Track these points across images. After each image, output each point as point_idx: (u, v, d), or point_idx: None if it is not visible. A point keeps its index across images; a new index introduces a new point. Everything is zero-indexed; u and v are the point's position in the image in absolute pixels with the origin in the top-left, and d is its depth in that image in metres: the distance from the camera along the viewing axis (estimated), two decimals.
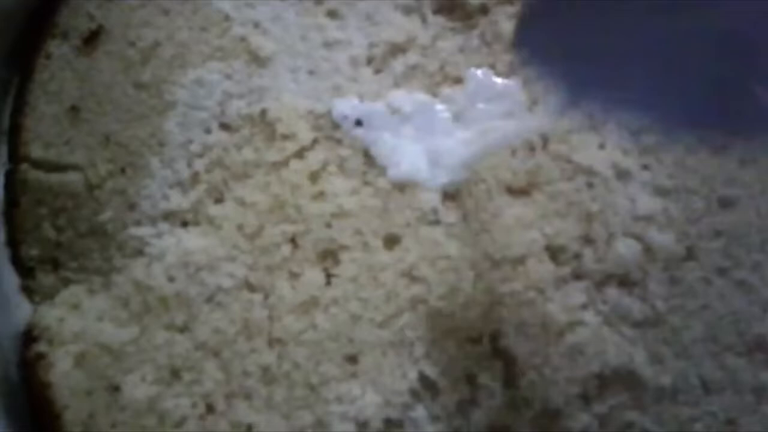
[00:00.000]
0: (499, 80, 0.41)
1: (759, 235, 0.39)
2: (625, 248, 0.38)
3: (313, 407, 0.38)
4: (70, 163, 0.41)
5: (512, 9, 0.42)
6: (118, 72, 0.42)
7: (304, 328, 0.38)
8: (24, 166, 0.41)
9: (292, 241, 0.40)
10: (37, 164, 0.41)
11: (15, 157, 0.41)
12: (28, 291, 0.41)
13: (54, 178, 0.41)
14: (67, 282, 0.41)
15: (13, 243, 0.41)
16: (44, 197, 0.41)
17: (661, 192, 0.39)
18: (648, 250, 0.38)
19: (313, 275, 0.39)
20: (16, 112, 0.42)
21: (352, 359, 0.38)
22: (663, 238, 0.38)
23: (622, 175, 0.39)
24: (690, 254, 0.39)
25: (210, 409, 0.38)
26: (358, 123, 0.41)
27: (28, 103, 0.42)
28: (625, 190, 0.39)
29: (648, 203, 0.39)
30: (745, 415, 0.38)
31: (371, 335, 0.38)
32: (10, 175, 0.41)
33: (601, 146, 0.40)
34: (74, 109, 0.42)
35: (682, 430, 0.37)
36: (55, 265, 0.41)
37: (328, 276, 0.39)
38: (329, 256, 0.39)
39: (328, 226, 0.40)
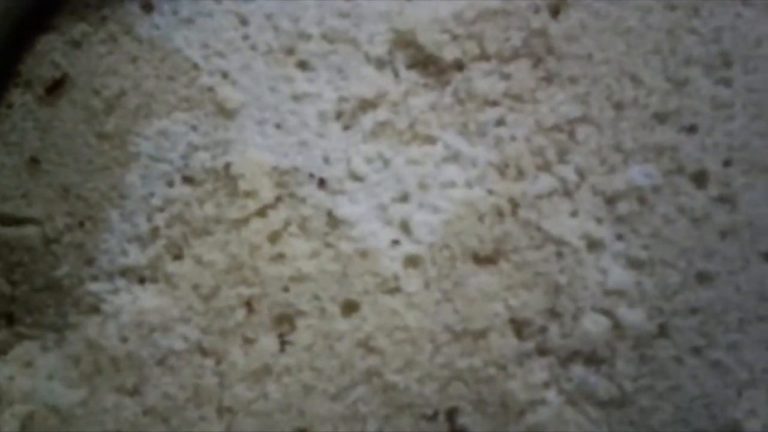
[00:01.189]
0: (467, 145, 0.39)
1: (737, 313, 0.37)
2: (593, 324, 0.36)
3: None
4: (28, 216, 0.40)
5: (488, 66, 0.40)
6: (80, 122, 0.41)
7: (255, 397, 0.37)
8: None
9: (248, 304, 0.38)
10: None
11: None
12: None
13: (10, 232, 0.40)
14: (21, 337, 0.40)
15: None
16: (0, 251, 0.40)
17: (634, 264, 0.37)
18: (617, 326, 0.37)
19: (268, 342, 0.38)
20: None
21: None
22: (634, 315, 0.36)
23: (594, 245, 0.38)
24: (662, 332, 0.37)
25: None
26: (322, 183, 0.40)
27: None
28: (597, 262, 0.37)
29: (620, 276, 0.37)
30: None
31: (323, 408, 0.37)
32: None
33: (573, 213, 0.38)
34: (34, 161, 0.41)
35: None
36: (10, 320, 0.40)
37: (283, 343, 0.38)
38: (285, 321, 0.38)
39: (286, 290, 0.38)
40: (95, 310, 0.40)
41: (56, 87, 0.41)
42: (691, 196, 0.38)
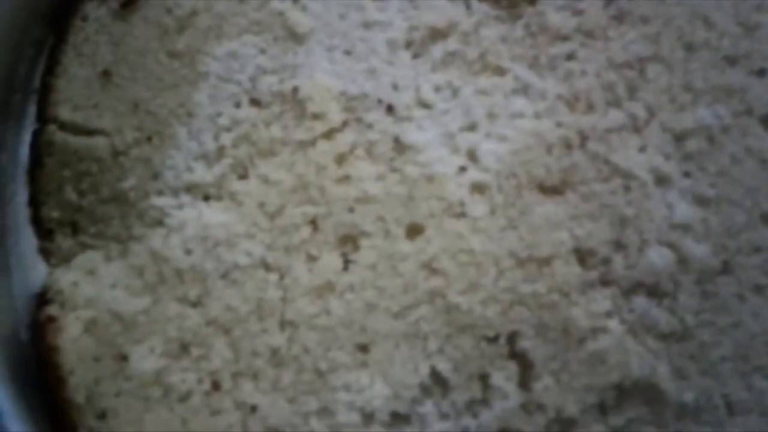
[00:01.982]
0: (537, 78, 0.40)
1: None
2: (658, 257, 0.37)
3: (319, 393, 0.37)
4: (98, 127, 0.41)
5: (560, 1, 0.40)
6: (152, 39, 0.42)
7: (317, 312, 0.37)
8: (51, 127, 0.41)
9: (313, 223, 0.39)
10: (65, 126, 0.41)
11: (43, 117, 0.41)
12: (45, 253, 0.41)
13: (80, 141, 0.41)
14: (84, 247, 0.40)
15: (34, 204, 0.41)
16: (69, 160, 0.41)
17: (701, 201, 0.37)
18: (682, 260, 0.37)
19: (331, 259, 0.38)
20: (47, 73, 0.42)
21: (364, 348, 0.37)
22: (699, 250, 0.37)
23: (662, 180, 0.38)
24: (726, 268, 0.37)
25: (216, 386, 0.37)
26: (390, 109, 0.40)
27: (61, 64, 0.41)
28: (663, 197, 0.38)
29: (686, 212, 0.37)
30: None
31: (385, 325, 0.37)
32: (36, 135, 0.41)
33: (642, 149, 0.38)
34: (106, 74, 0.41)
35: None
36: (75, 229, 0.41)
37: (346, 261, 0.38)
38: (349, 241, 0.38)
39: (351, 210, 0.39)
40: (160, 223, 0.40)
41: (130, 3, 0.42)
42: (759, 138, 0.38)
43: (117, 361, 0.38)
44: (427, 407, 0.36)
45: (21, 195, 0.41)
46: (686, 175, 0.38)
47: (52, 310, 0.38)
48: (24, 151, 0.41)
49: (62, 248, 0.41)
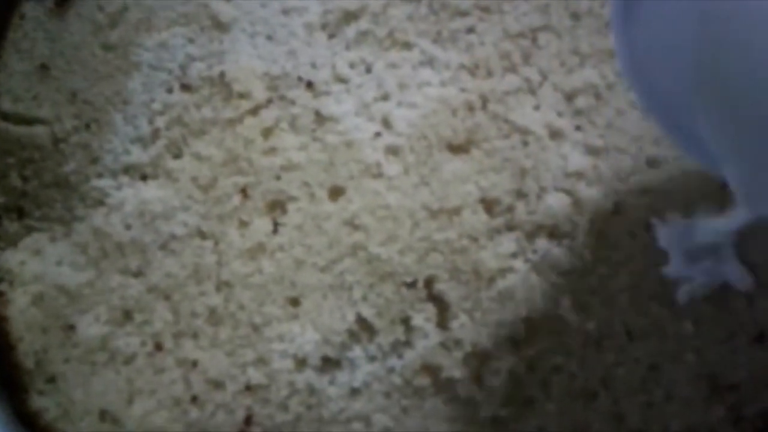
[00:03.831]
0: (440, 50, 0.44)
1: (683, 193, 0.41)
2: (556, 202, 0.41)
3: (255, 345, 0.40)
4: (38, 117, 0.44)
5: None
6: (87, 33, 0.45)
7: (250, 272, 0.41)
8: None
9: (243, 192, 0.42)
10: (6, 117, 0.44)
11: None
12: None
13: (22, 130, 0.44)
14: (30, 230, 0.43)
15: None
16: (12, 148, 0.43)
17: (591, 151, 0.42)
18: (577, 204, 0.41)
19: (262, 224, 0.41)
20: None
21: (294, 301, 0.40)
22: (592, 193, 0.41)
23: (556, 134, 0.42)
24: (617, 209, 0.41)
25: (158, 347, 0.40)
26: (309, 85, 0.43)
27: (1, 59, 0.44)
28: (558, 149, 0.42)
29: (579, 161, 0.41)
30: (668, 361, 0.40)
31: (313, 279, 0.40)
32: None
33: (537, 107, 0.42)
34: (44, 67, 0.44)
35: (607, 375, 0.39)
36: (20, 213, 0.43)
37: (276, 224, 0.41)
38: (277, 206, 0.42)
39: (278, 178, 0.42)
40: (100, 203, 0.43)
41: (64, 1, 0.45)
42: None
43: (64, 331, 0.40)
44: (356, 351, 0.39)
45: None
46: (577, 128, 0.42)
47: (1, 286, 0.41)
48: None
49: (9, 232, 0.43)
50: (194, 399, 0.39)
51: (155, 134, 0.44)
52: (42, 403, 0.39)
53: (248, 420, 0.38)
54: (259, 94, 0.43)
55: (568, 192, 0.41)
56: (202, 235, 0.42)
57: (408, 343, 0.39)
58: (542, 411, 0.39)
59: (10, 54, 0.44)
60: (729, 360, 0.39)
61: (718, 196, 0.41)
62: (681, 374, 0.39)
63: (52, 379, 0.40)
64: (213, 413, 0.39)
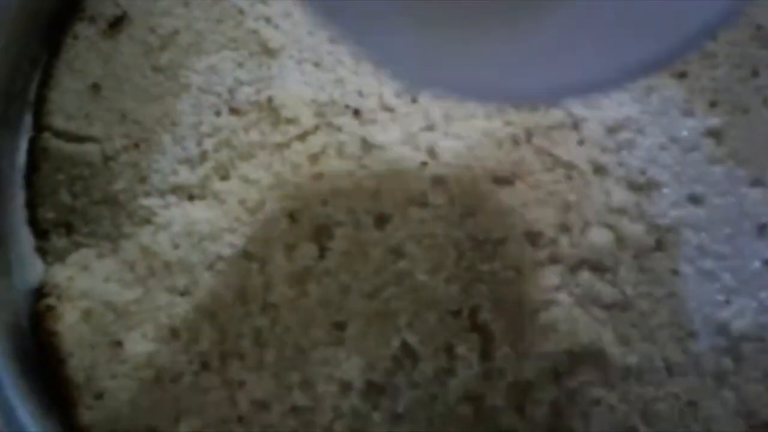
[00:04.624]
0: None
1: (725, 227, 0.42)
2: (599, 236, 0.41)
3: (300, 368, 0.40)
4: (89, 135, 0.44)
5: None
6: (138, 55, 0.46)
7: (296, 295, 0.41)
8: (46, 134, 0.44)
9: (290, 216, 0.42)
10: (59, 134, 0.44)
11: (38, 126, 0.45)
12: (41, 252, 0.44)
13: (73, 147, 0.44)
14: (78, 245, 0.44)
15: (31, 206, 0.44)
16: (63, 165, 0.44)
17: (634, 187, 0.42)
18: (620, 239, 0.41)
19: (308, 248, 0.42)
20: (42, 86, 0.45)
21: (340, 326, 0.41)
22: (634, 229, 0.41)
23: (599, 169, 0.43)
24: (659, 245, 0.41)
25: (205, 366, 0.41)
26: (356, 113, 0.44)
27: (54, 78, 0.45)
28: (601, 184, 0.42)
29: (622, 196, 0.42)
30: (706, 397, 0.40)
31: (359, 305, 0.41)
32: (33, 143, 0.45)
33: (580, 142, 0.43)
34: (95, 87, 0.45)
35: (646, 409, 0.40)
36: (69, 229, 0.44)
37: (322, 249, 0.42)
38: (324, 231, 0.42)
39: (324, 203, 0.42)
40: (148, 221, 0.43)
41: (117, 23, 0.46)
42: (680, 127, 0.43)
43: (112, 347, 0.41)
44: (400, 377, 0.40)
45: (19, 198, 0.44)
46: (620, 164, 0.43)
47: (50, 301, 0.41)
48: (21, 157, 0.44)
49: (57, 247, 0.44)
50: (240, 419, 0.39)
51: (203, 156, 0.44)
52: (91, 417, 0.40)
53: None
54: (307, 120, 0.44)
55: (611, 227, 0.41)
56: (249, 256, 0.42)
57: (451, 371, 0.40)
58: None
59: (64, 73, 0.45)
60: (766, 398, 0.40)
61: (758, 233, 0.42)
62: (719, 410, 0.40)
63: (100, 395, 0.40)
64: None
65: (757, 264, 0.41)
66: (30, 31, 0.44)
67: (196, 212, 0.43)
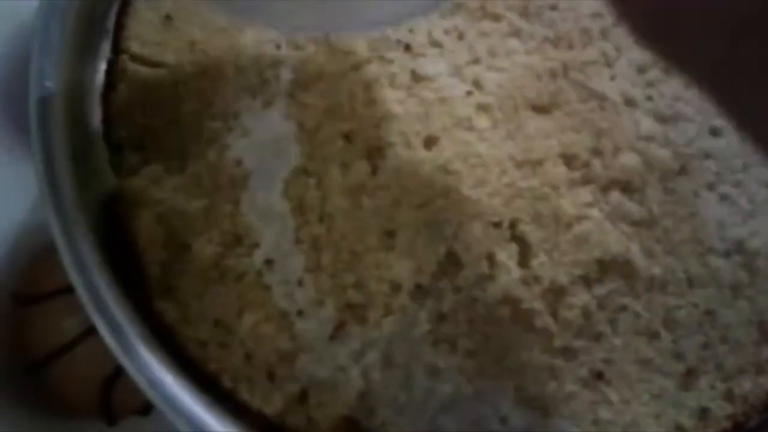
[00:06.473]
0: (527, 23, 0.49)
1: (742, 158, 0.46)
2: (628, 160, 0.45)
3: (354, 270, 0.44)
4: (162, 61, 0.48)
5: None
6: None
7: (351, 206, 0.45)
8: (124, 57, 0.48)
9: (346, 137, 0.46)
10: (135, 58, 0.48)
11: (116, 50, 0.49)
12: (115, 165, 0.48)
13: (147, 71, 0.48)
14: (148, 161, 0.47)
15: (107, 122, 0.48)
16: (137, 87, 0.48)
17: (661, 119, 0.46)
18: (647, 163, 0.45)
19: (362, 165, 0.46)
20: (120, 14, 0.49)
21: (391, 234, 0.44)
22: (661, 154, 0.45)
23: (629, 102, 0.46)
24: (683, 170, 0.45)
25: (267, 266, 0.44)
26: (407, 48, 0.48)
27: (131, 6, 0.49)
28: (631, 115, 0.46)
29: (650, 126, 0.46)
30: (723, 307, 0.44)
31: (408, 216, 0.44)
32: (111, 65, 0.48)
33: (612, 77, 0.47)
34: (168, 18, 0.49)
35: (668, 316, 0.44)
36: (141, 146, 0.48)
37: (375, 167, 0.46)
38: (376, 151, 0.46)
39: (377, 127, 0.46)
40: (214, 141, 0.47)
41: None
42: None
43: (182, 249, 0.45)
44: (444, 282, 0.44)
45: (96, 114, 0.48)
46: (648, 98, 0.47)
47: (125, 205, 0.45)
48: (100, 78, 0.48)
49: (130, 162, 0.47)
50: (300, 312, 0.43)
51: (264, 84, 0.48)
52: (164, 306, 0.43)
53: (341, 325, 0.42)
54: (361, 53, 0.48)
55: (639, 152, 0.45)
56: (307, 172, 0.46)
57: (491, 277, 0.44)
58: (609, 345, 0.43)
59: (140, 3, 0.49)
60: None
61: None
62: (734, 319, 0.44)
63: (171, 289, 0.44)
64: (317, 327, 0.43)
65: None
66: None
67: (258, 134, 0.47)
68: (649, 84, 0.47)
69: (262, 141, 0.47)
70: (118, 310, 0.41)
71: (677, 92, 0.47)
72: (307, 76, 0.48)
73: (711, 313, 0.44)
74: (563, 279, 0.44)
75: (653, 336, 0.44)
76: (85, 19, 0.48)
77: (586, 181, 0.45)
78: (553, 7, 0.49)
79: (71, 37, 0.47)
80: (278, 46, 0.49)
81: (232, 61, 0.49)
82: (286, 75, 0.48)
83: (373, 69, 0.48)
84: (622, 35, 0.48)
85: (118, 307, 0.41)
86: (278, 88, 0.48)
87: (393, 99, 0.47)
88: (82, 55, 0.48)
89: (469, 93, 0.47)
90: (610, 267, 0.44)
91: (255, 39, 0.49)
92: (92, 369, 0.54)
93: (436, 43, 0.48)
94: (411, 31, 0.49)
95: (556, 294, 0.44)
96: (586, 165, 0.45)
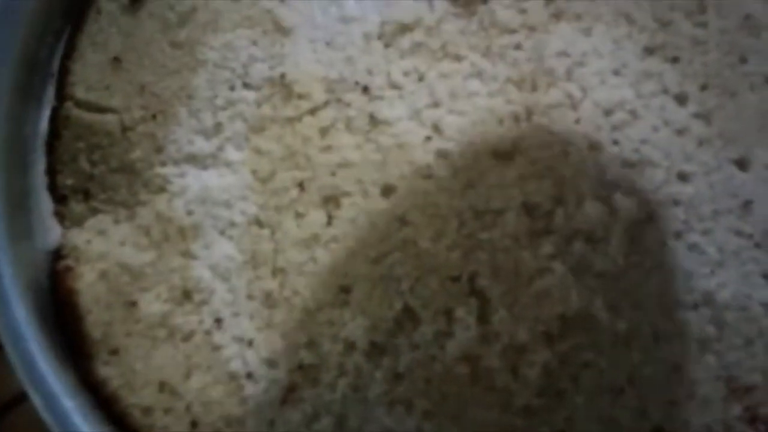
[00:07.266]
0: (489, 64, 0.47)
1: (711, 205, 0.44)
2: (593, 209, 0.43)
3: (308, 329, 0.42)
4: (109, 106, 0.46)
5: (507, 0, 0.48)
6: (157, 31, 0.48)
7: (305, 260, 0.43)
8: (68, 104, 0.46)
9: (300, 185, 0.45)
10: (80, 104, 0.46)
11: (61, 96, 0.47)
12: (60, 216, 0.46)
13: (93, 117, 0.46)
14: (95, 211, 0.46)
15: (51, 172, 0.46)
16: (83, 134, 0.46)
17: (627, 164, 0.45)
18: (612, 212, 0.44)
19: (317, 216, 0.44)
20: (65, 58, 0.47)
21: (346, 289, 0.43)
22: (626, 202, 0.44)
23: (594, 147, 0.45)
24: (649, 218, 0.44)
25: (216, 326, 0.43)
26: (365, 90, 0.46)
27: (77, 50, 0.47)
28: (596, 161, 0.45)
29: (615, 172, 0.44)
30: (690, 362, 0.42)
31: (364, 269, 0.43)
32: (55, 112, 0.47)
33: (577, 121, 0.45)
34: (116, 60, 0.47)
35: (634, 373, 0.42)
36: (87, 195, 0.46)
37: (330, 217, 0.44)
38: (332, 200, 0.44)
39: (333, 174, 0.45)
40: (163, 189, 0.45)
41: (138, 0, 0.48)
42: (673, 112, 0.45)
43: (127, 307, 0.43)
44: (401, 338, 0.42)
45: (40, 164, 0.46)
46: (614, 142, 0.45)
47: (69, 262, 0.44)
48: (43, 126, 0.46)
49: (75, 212, 0.46)
50: (249, 375, 0.42)
51: (217, 128, 0.46)
52: (106, 372, 0.42)
53: (293, 388, 0.41)
54: (318, 96, 0.46)
55: (603, 200, 0.44)
56: (260, 223, 0.44)
57: (450, 334, 0.42)
58: (572, 403, 0.42)
59: (86, 46, 0.47)
60: (747, 363, 0.42)
61: (742, 210, 0.44)
62: (702, 375, 0.42)
63: (115, 351, 0.42)
64: (267, 389, 0.41)
65: (740, 239, 0.44)
66: (54, 4, 0.46)
67: (210, 180, 0.45)
68: (615, 127, 0.45)
69: (215, 189, 0.45)
70: (55, 381, 0.39)
71: (644, 135, 0.45)
72: (262, 119, 0.46)
73: (678, 368, 0.42)
74: (524, 336, 0.42)
75: (618, 393, 0.42)
76: (28, 65, 0.46)
77: (548, 231, 0.43)
78: (518, 47, 0.47)
79: (13, 83, 0.45)
80: (232, 87, 0.47)
81: (184, 104, 0.47)
82: (240, 118, 0.46)
83: (330, 113, 0.46)
84: (588, 75, 0.46)
85: (55, 377, 0.39)
86: (232, 132, 0.46)
87: (350, 145, 0.45)
88: (24, 102, 0.46)
89: (428, 138, 0.45)
90: (572, 322, 0.42)
91: (209, 80, 0.47)
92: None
93: (395, 85, 0.46)
94: (369, 72, 0.47)
95: (516, 351, 0.42)
96: (549, 215, 0.44)
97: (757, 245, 0.44)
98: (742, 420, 0.42)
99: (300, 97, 0.46)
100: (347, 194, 0.44)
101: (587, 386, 0.42)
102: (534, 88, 0.46)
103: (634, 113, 0.45)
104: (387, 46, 0.47)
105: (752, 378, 0.42)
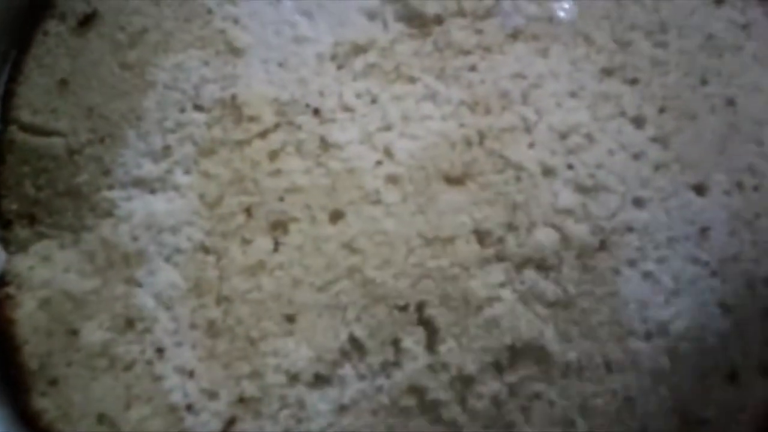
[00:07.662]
0: (443, 86, 0.46)
1: (666, 232, 0.43)
2: (544, 236, 0.43)
3: (250, 359, 0.41)
4: (55, 129, 0.46)
5: (464, 21, 0.47)
6: (106, 52, 0.47)
7: (250, 288, 0.42)
8: (13, 128, 0.45)
9: (247, 211, 0.44)
10: (25, 128, 0.46)
11: (5, 119, 0.46)
12: (4, 241, 0.45)
13: (39, 141, 0.45)
14: (41, 236, 0.45)
15: None
16: (28, 158, 0.45)
17: (581, 189, 0.44)
18: (564, 239, 0.43)
19: (263, 242, 0.43)
20: (10, 81, 0.46)
21: (291, 318, 0.42)
22: (579, 230, 0.43)
23: (548, 172, 0.44)
24: (603, 246, 0.43)
25: (157, 355, 0.42)
26: (316, 112, 0.46)
27: (23, 73, 0.46)
28: (549, 186, 0.44)
29: (568, 198, 0.43)
30: (643, 394, 0.41)
31: (309, 298, 0.42)
32: None
33: (531, 145, 0.44)
34: (63, 82, 0.46)
35: (585, 404, 0.41)
36: (32, 220, 0.45)
37: (277, 243, 0.43)
38: (279, 226, 0.43)
39: (281, 199, 0.44)
40: (110, 214, 0.45)
41: (87, 21, 0.47)
42: (630, 135, 0.45)
43: (68, 335, 0.42)
44: (346, 369, 0.41)
45: None
46: (569, 167, 0.44)
47: (10, 289, 0.43)
48: None
49: (20, 237, 0.45)
50: (189, 407, 0.41)
51: (166, 151, 0.46)
52: (43, 404, 0.41)
53: (233, 421, 0.40)
54: (268, 118, 0.45)
55: (556, 227, 0.43)
56: (206, 250, 0.43)
57: (397, 364, 0.41)
58: None
59: (32, 68, 0.46)
60: (701, 396, 0.41)
61: (699, 237, 0.43)
62: (655, 407, 0.41)
63: (54, 382, 0.41)
64: (207, 422, 0.40)
65: (696, 267, 0.43)
66: (0, 27, 0.46)
67: (157, 205, 0.45)
68: (570, 151, 0.44)
69: (161, 214, 0.44)
70: None
71: (600, 159, 0.44)
72: (212, 142, 0.45)
73: (630, 400, 0.41)
74: (472, 366, 0.41)
75: (569, 425, 0.41)
76: None
77: (499, 259, 0.42)
78: (472, 68, 0.46)
79: None
80: (183, 109, 0.46)
81: (133, 126, 0.46)
82: (190, 141, 0.46)
83: (280, 136, 0.45)
84: (543, 97, 0.45)
85: None
86: (181, 155, 0.45)
87: (299, 169, 0.44)
88: None
89: (378, 163, 0.44)
90: (522, 352, 0.41)
91: (158, 102, 0.46)
92: None
93: (347, 107, 0.46)
94: (321, 94, 0.46)
95: (464, 382, 0.41)
96: (500, 242, 0.43)
97: (714, 273, 0.43)
98: None
99: (250, 119, 0.45)
100: (295, 220, 0.43)
101: (537, 418, 0.41)
102: (488, 111, 0.45)
103: (590, 137, 0.44)
104: (340, 67, 0.46)
105: (706, 411, 0.41)
